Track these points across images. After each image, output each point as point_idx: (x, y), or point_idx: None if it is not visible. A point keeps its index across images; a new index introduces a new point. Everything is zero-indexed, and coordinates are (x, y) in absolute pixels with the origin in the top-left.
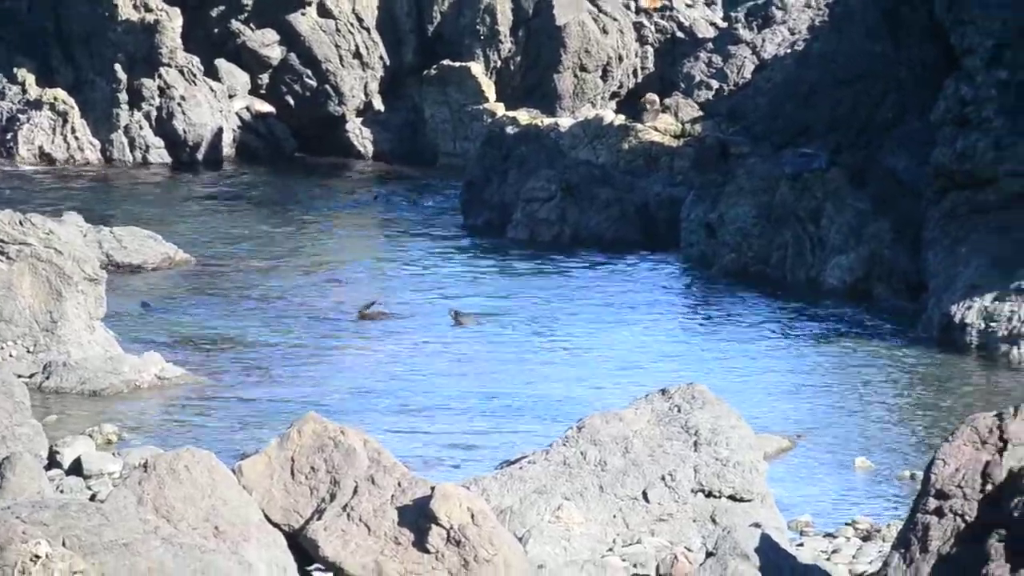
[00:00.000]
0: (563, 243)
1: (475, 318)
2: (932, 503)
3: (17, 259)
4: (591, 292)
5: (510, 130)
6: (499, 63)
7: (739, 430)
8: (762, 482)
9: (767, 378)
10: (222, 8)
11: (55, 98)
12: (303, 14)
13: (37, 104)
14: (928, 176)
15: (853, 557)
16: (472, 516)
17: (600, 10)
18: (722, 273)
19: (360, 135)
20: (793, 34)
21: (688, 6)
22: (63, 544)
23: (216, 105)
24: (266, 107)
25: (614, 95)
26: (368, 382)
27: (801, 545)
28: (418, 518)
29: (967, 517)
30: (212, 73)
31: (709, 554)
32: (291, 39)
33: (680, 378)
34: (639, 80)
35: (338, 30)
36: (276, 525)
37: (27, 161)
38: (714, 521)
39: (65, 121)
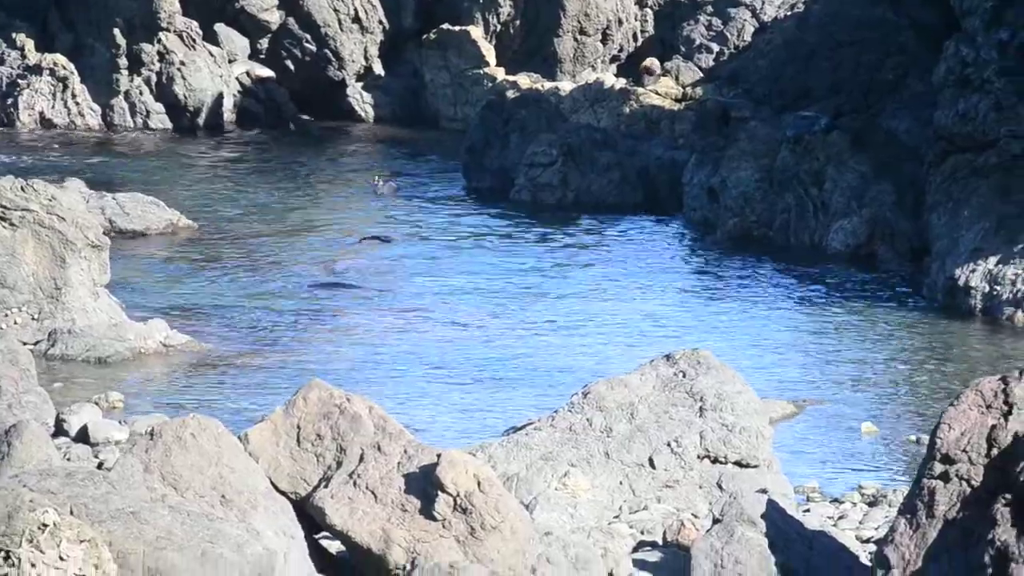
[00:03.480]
0: (565, 207)
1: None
2: (938, 468)
3: (20, 226)
4: (594, 257)
5: (510, 95)
6: (499, 27)
7: (744, 395)
8: (768, 448)
9: (772, 343)
10: None
11: (55, 63)
12: None
13: (37, 69)
14: (929, 138)
15: (859, 523)
16: (479, 483)
17: None
18: (725, 237)
19: (361, 99)
20: None
21: None
22: (70, 512)
23: (216, 70)
24: (266, 72)
25: (614, 59)
26: (373, 349)
27: (807, 511)
28: (425, 485)
29: (973, 482)
30: (211, 38)
31: (715, 520)
32: (290, 3)
33: (685, 343)
34: (639, 44)
35: None
36: (283, 493)
37: (28, 127)
38: (720, 487)
39: (65, 87)
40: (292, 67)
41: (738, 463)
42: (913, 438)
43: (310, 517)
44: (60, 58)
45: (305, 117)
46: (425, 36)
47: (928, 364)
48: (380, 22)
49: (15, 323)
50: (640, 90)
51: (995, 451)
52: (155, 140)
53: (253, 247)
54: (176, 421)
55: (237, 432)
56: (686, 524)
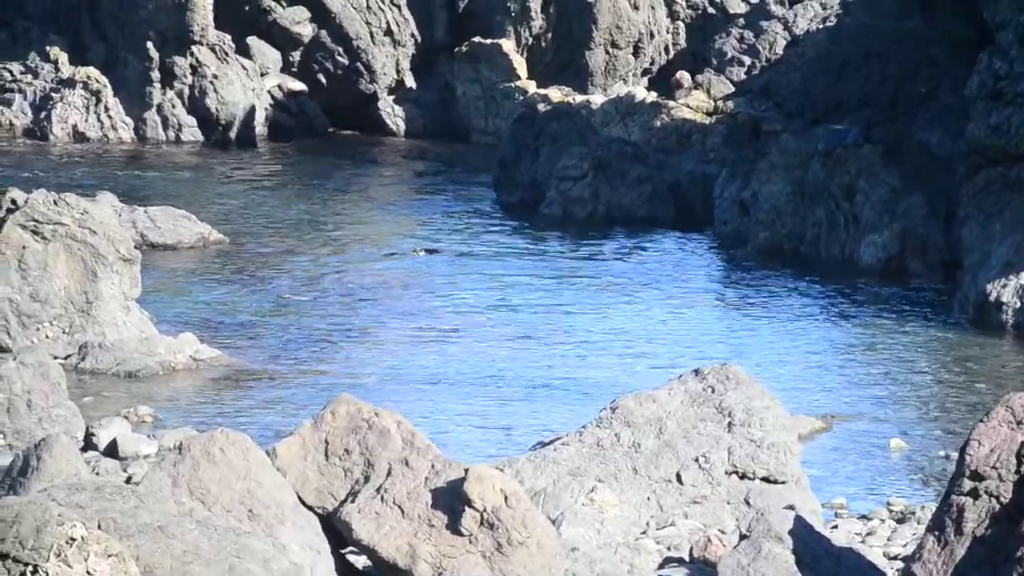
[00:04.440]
0: (596, 221)
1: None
2: (967, 484)
3: (52, 239)
4: (624, 271)
5: (542, 107)
6: (530, 40)
7: (773, 411)
8: (796, 464)
9: (801, 358)
10: None
11: (88, 76)
12: None
13: (70, 83)
14: (962, 151)
15: (888, 539)
16: (506, 498)
17: None
18: (756, 251)
19: (392, 113)
20: (825, 9)
21: None
22: (98, 527)
23: (248, 83)
24: (298, 85)
25: (646, 72)
26: (401, 363)
27: (835, 527)
28: (452, 500)
29: (1003, 499)
30: (243, 51)
31: (743, 536)
32: (322, 16)
33: (714, 358)
34: (671, 57)
35: (368, 7)
36: (310, 507)
37: (61, 140)
38: (748, 503)
39: (98, 100)
40: (324, 80)
41: (766, 479)
42: (943, 454)
43: (337, 532)
44: (93, 71)
45: (336, 130)
46: (457, 49)
47: (958, 379)
48: (412, 35)
49: (46, 337)
50: (671, 103)
51: None
52: (187, 153)
53: (284, 261)
54: (204, 436)
55: (265, 446)
56: (713, 540)
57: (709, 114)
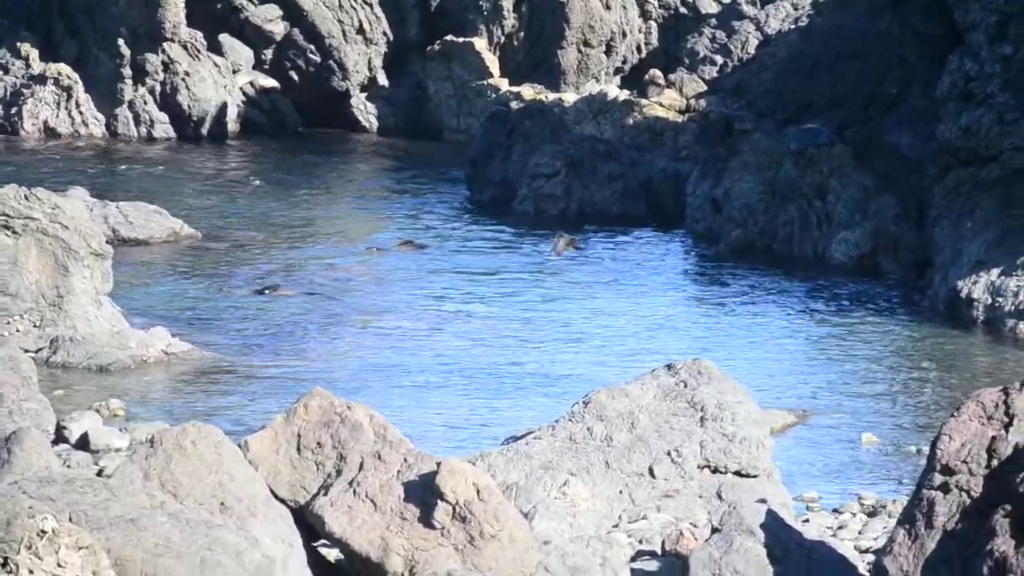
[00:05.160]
0: (569, 218)
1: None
2: (938, 479)
3: (23, 234)
4: (597, 268)
5: (514, 106)
6: (502, 38)
7: (745, 406)
8: (768, 458)
9: (773, 354)
10: None
11: (59, 73)
12: None
13: (41, 79)
14: (932, 152)
15: (859, 533)
16: (478, 492)
17: None
18: (728, 249)
19: (364, 110)
20: (797, 9)
21: None
22: (69, 519)
23: (220, 80)
24: (270, 82)
25: (618, 71)
26: (374, 358)
27: (807, 521)
28: (424, 494)
29: (972, 493)
30: (215, 48)
31: (715, 530)
32: (294, 14)
33: (686, 354)
34: (643, 56)
35: (341, 5)
36: (282, 500)
37: (32, 136)
38: (720, 497)
39: (69, 96)
40: (296, 78)
41: (738, 473)
42: (914, 448)
43: (309, 525)
44: (64, 67)
45: (308, 128)
46: (429, 47)
47: (929, 375)
48: (384, 33)
49: (17, 330)
50: (644, 102)
51: (995, 462)
52: (159, 149)
53: (256, 256)
54: (176, 429)
55: (237, 440)
56: (685, 534)
57: (681, 112)
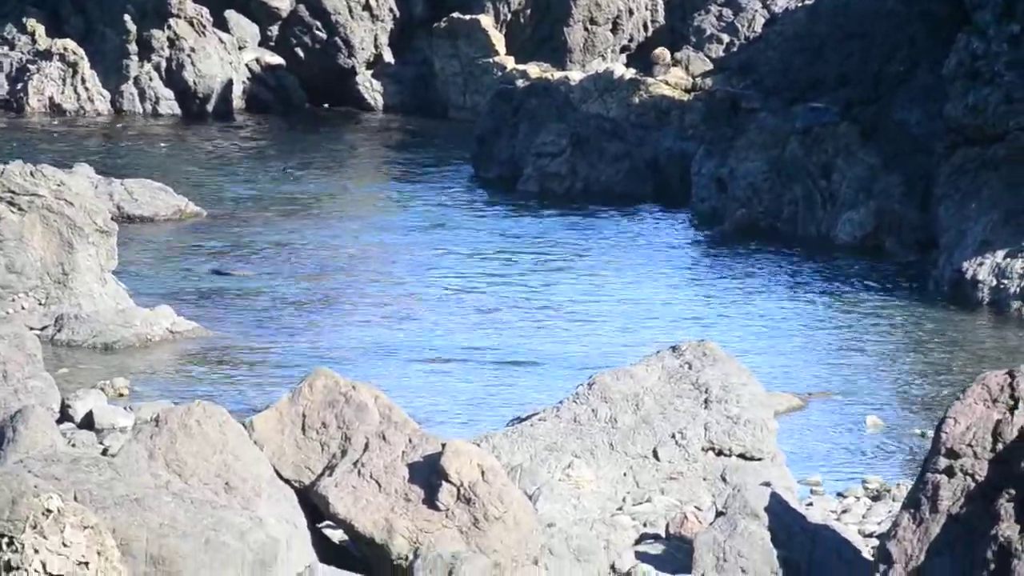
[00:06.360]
0: (574, 197)
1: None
2: (942, 462)
3: (28, 210)
4: (601, 247)
5: (520, 84)
6: (509, 16)
7: (750, 388)
8: (772, 441)
9: (778, 335)
10: None
11: (65, 48)
12: None
13: (47, 55)
14: (939, 131)
15: (863, 517)
16: (483, 473)
17: None
18: (733, 228)
19: (370, 88)
20: None
21: None
22: (74, 499)
23: (226, 57)
24: (276, 59)
25: (624, 49)
26: (379, 337)
27: (811, 504)
28: (429, 475)
29: (977, 476)
30: (221, 24)
31: (719, 513)
32: None
33: (691, 335)
34: (649, 34)
35: None
36: (287, 481)
37: (37, 112)
38: (724, 480)
39: (75, 72)
40: (302, 54)
41: (742, 456)
42: (919, 432)
43: (314, 506)
44: (70, 43)
45: (314, 105)
46: (435, 24)
47: (934, 357)
48: (391, 10)
49: (22, 308)
50: (650, 80)
51: (1000, 446)
52: (164, 126)
53: (261, 233)
54: (181, 408)
55: (242, 419)
56: (689, 517)
57: (687, 91)
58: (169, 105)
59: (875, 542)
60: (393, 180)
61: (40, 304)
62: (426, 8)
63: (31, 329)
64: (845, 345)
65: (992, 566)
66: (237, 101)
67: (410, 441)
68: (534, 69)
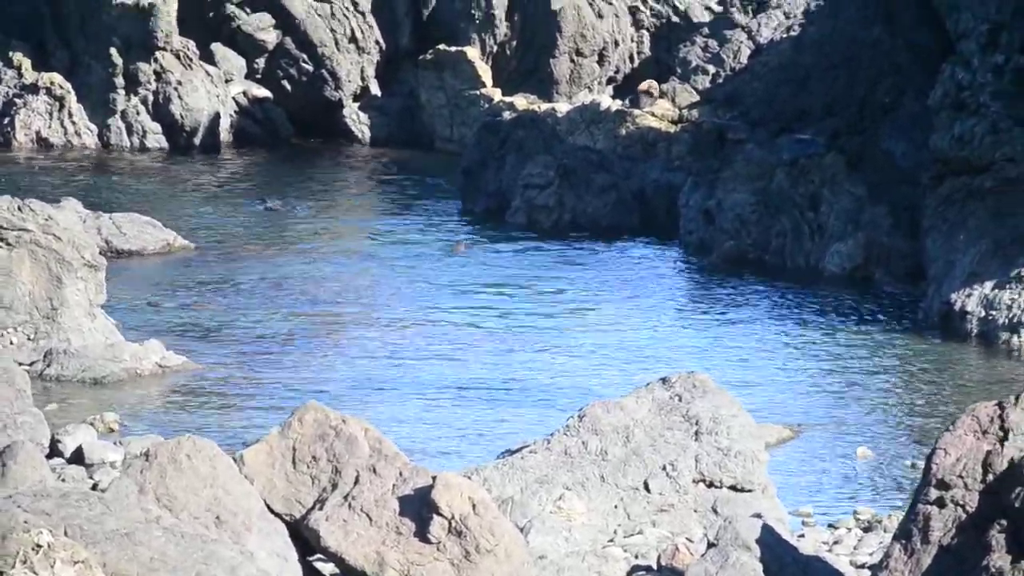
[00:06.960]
0: (561, 229)
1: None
2: (933, 493)
3: (16, 245)
4: (590, 279)
5: (507, 115)
6: (495, 48)
7: (740, 419)
8: (763, 472)
9: (767, 367)
10: None
11: (51, 82)
12: None
13: (33, 88)
14: (925, 161)
15: (854, 548)
16: (473, 506)
17: None
18: (721, 260)
19: (357, 120)
20: (789, 18)
21: None
22: (64, 533)
23: (213, 90)
24: (263, 92)
25: (611, 80)
26: (369, 370)
27: (802, 536)
28: (419, 508)
29: (968, 507)
30: (208, 58)
31: (710, 545)
32: (287, 23)
33: (681, 367)
34: (635, 65)
35: (333, 14)
36: (277, 515)
37: (24, 146)
38: (715, 511)
39: (62, 106)
40: (289, 87)
41: (733, 487)
42: (909, 463)
43: (305, 539)
44: (57, 77)
45: (301, 137)
46: (422, 57)
47: (924, 389)
48: (377, 42)
49: (11, 343)
50: (637, 112)
51: (990, 477)
52: (151, 160)
53: (249, 267)
54: (171, 442)
55: (232, 454)
56: (681, 548)
57: (674, 123)
58: (156, 139)
59: (867, 573)
60: (381, 213)
61: (29, 339)
62: (412, 40)
63: (20, 364)
64: (835, 377)
65: None
66: (224, 134)
67: (400, 474)
68: (521, 101)
